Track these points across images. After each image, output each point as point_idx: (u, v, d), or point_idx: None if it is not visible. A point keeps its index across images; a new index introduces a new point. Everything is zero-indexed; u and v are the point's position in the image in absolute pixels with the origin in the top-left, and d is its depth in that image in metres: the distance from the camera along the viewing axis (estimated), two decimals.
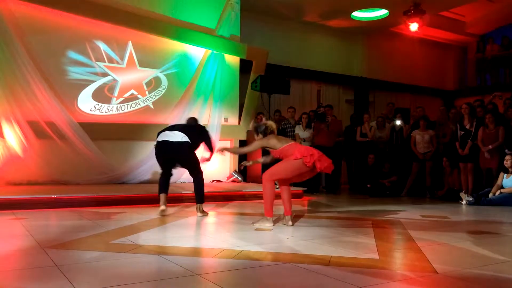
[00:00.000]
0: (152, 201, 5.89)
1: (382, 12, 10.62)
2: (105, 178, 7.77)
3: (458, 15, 12.41)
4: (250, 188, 7.37)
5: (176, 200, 6.18)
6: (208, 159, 5.41)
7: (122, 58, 8.28)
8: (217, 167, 9.13)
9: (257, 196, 6.92)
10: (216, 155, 5.26)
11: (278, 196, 4.43)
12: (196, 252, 3.16)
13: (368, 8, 10.46)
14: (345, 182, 9.85)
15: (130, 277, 2.48)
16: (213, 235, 4.00)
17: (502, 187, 6.79)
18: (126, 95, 8.32)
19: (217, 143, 8.97)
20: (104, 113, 8.11)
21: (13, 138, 7.12)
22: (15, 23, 7.33)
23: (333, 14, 10.80)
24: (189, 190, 6.80)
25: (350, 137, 9.28)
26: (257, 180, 8.50)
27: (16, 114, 7.15)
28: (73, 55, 7.88)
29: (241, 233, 3.89)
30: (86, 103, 7.98)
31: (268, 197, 4.32)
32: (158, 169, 5.44)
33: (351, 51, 12.21)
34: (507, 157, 6.79)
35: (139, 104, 8.42)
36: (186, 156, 5.04)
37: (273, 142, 4.40)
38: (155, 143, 5.13)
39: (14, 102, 7.18)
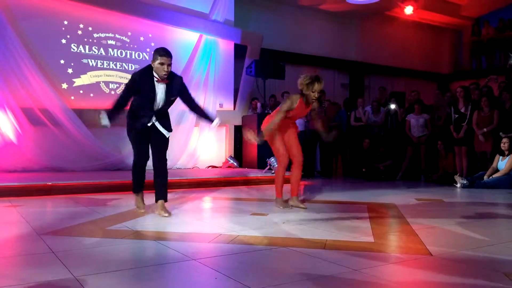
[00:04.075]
0: (148, 187, 5.89)
1: None
2: (100, 164, 7.75)
3: None
4: (246, 173, 7.38)
5: (172, 186, 6.17)
6: None
7: (115, 44, 8.20)
8: (213, 152, 9.13)
9: (253, 182, 6.94)
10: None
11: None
12: (192, 237, 3.17)
13: None
14: (339, 166, 9.87)
15: (127, 262, 2.49)
16: (209, 220, 4.01)
17: (497, 169, 6.82)
18: (121, 81, 8.27)
19: (213, 129, 8.98)
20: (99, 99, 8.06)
21: (8, 125, 7.08)
22: (7, 8, 7.23)
23: None
24: (185, 176, 6.83)
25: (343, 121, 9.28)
26: (252, 166, 8.51)
27: (9, 101, 7.10)
28: (66, 41, 7.80)
29: (237, 218, 3.90)
30: None
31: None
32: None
33: (346, 35, 12.14)
34: (504, 140, 6.80)
35: None
36: None
37: None
38: None
39: (8, 89, 7.12)
